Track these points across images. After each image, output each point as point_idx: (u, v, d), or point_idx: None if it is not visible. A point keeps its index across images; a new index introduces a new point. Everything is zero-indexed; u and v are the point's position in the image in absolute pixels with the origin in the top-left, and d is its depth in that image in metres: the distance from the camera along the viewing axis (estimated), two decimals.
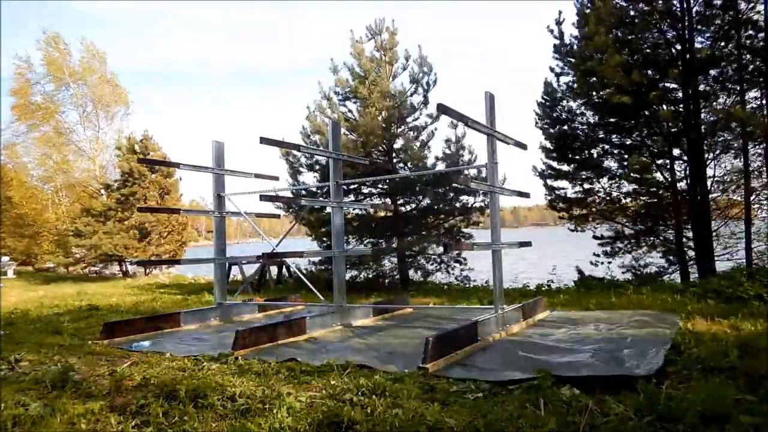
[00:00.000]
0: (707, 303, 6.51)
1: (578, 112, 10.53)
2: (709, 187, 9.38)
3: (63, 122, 26.25)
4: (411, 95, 11.63)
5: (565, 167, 10.67)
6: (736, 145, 9.43)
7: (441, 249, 11.67)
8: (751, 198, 9.41)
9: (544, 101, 10.82)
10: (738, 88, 9.20)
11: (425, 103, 11.64)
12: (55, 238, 24.88)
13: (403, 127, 11.67)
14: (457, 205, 11.47)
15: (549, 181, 10.87)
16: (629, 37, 9.19)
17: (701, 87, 9.04)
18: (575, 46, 10.15)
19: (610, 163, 10.48)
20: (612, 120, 9.88)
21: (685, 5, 9.01)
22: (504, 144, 5.97)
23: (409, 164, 11.35)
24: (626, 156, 9.92)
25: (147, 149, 21.43)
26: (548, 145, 10.76)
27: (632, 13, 9.37)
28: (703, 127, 9.13)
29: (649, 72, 9.16)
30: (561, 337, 5.16)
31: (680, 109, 9.36)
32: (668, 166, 9.78)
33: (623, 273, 10.30)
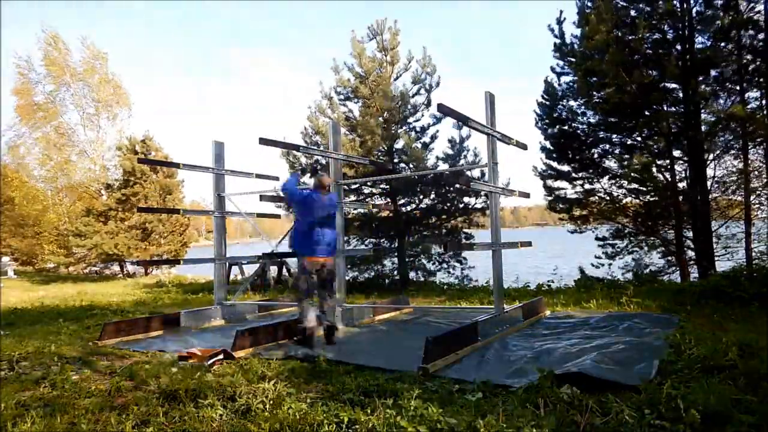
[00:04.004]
0: (707, 303, 6.51)
1: (579, 111, 10.54)
2: (709, 188, 9.38)
3: (64, 123, 26.29)
4: (413, 96, 11.62)
5: (565, 167, 10.67)
6: (736, 145, 9.43)
7: (441, 249, 11.69)
8: (751, 198, 9.41)
9: (544, 101, 10.82)
10: (738, 88, 9.20)
11: (428, 104, 11.63)
12: (56, 238, 24.92)
13: (404, 127, 11.67)
14: (460, 206, 11.48)
15: (549, 182, 10.87)
16: (629, 37, 9.19)
17: (701, 87, 9.04)
18: (576, 46, 10.16)
19: (611, 163, 10.48)
20: (612, 120, 9.88)
21: (685, 5, 9.01)
22: (504, 144, 5.97)
23: (410, 165, 11.35)
24: (627, 156, 9.92)
25: (149, 149, 21.44)
26: (548, 145, 10.76)
27: (633, 12, 9.37)
28: (703, 127, 9.13)
29: (650, 72, 9.16)
30: (561, 337, 5.16)
31: (680, 109, 9.36)
32: (668, 167, 9.78)
33: (623, 273, 10.30)
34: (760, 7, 8.60)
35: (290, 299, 9.01)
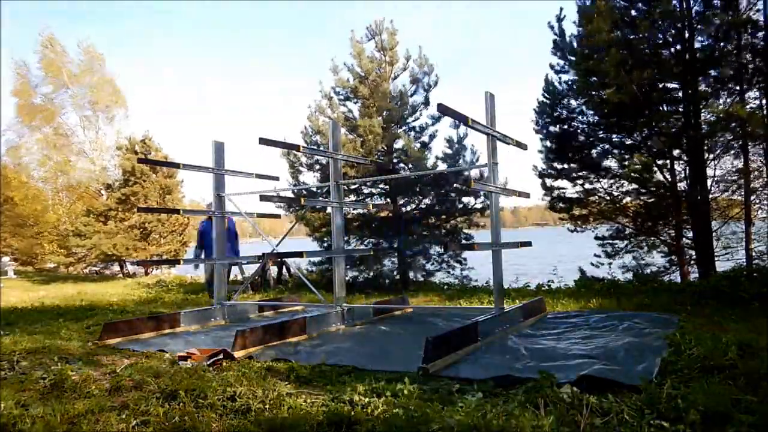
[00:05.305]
0: (707, 303, 6.51)
1: (578, 111, 10.53)
2: (709, 187, 9.38)
3: (63, 123, 26.29)
4: (411, 95, 11.62)
5: (565, 167, 10.66)
6: (736, 145, 9.42)
7: (442, 249, 11.70)
8: (751, 198, 9.40)
9: (544, 100, 10.81)
10: (738, 88, 9.19)
11: (426, 103, 11.63)
12: (56, 238, 24.94)
13: (403, 127, 11.67)
14: (459, 206, 11.47)
15: (549, 181, 10.86)
16: (630, 37, 9.18)
17: (701, 87, 9.03)
18: (575, 44, 10.15)
19: (611, 163, 10.47)
20: (612, 119, 9.87)
21: (685, 5, 9.01)
22: (504, 144, 5.97)
23: (409, 165, 11.35)
24: (626, 155, 9.91)
25: (148, 149, 21.44)
26: (548, 144, 10.76)
27: (633, 12, 9.36)
28: (703, 126, 9.13)
29: (650, 71, 9.15)
30: (561, 337, 5.16)
31: (680, 109, 9.35)
32: (668, 166, 9.77)
33: (624, 273, 10.30)
34: (760, 5, 8.61)
35: (291, 299, 9.00)
